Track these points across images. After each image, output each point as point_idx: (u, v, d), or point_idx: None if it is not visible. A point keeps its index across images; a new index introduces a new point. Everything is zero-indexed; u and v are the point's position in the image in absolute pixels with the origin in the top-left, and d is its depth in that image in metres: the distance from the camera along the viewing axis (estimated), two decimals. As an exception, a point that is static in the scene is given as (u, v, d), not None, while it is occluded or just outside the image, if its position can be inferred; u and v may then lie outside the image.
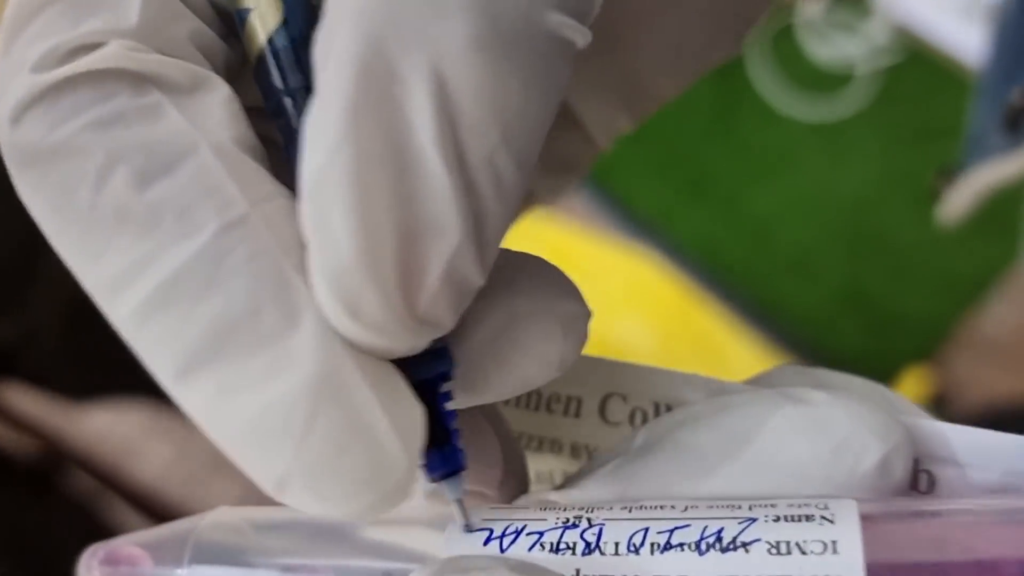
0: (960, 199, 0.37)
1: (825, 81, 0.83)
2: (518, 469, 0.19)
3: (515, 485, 0.19)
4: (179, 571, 0.17)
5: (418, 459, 0.15)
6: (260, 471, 0.14)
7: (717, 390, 0.18)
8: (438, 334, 0.15)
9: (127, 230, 0.14)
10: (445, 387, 0.16)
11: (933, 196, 0.41)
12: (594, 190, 0.82)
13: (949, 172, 0.38)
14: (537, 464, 0.20)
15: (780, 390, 0.17)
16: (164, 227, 0.14)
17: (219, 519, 0.18)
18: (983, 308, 0.75)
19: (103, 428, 0.78)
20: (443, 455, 0.16)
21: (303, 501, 0.14)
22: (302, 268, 0.14)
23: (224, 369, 0.14)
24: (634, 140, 0.80)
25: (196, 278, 0.14)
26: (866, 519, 0.15)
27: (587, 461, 0.19)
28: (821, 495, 0.16)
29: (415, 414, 0.15)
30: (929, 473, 0.17)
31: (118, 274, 0.14)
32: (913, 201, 0.78)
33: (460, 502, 0.17)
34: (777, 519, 0.15)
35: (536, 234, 0.76)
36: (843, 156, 0.82)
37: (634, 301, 0.78)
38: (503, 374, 0.16)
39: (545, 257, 0.17)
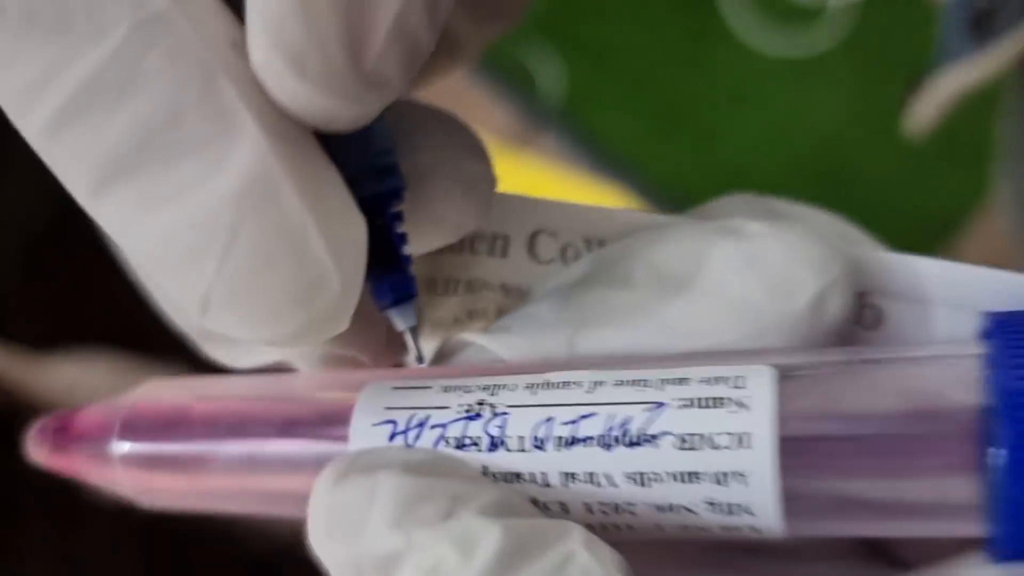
0: (926, 108, 0.36)
1: (797, 15, 0.82)
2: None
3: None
4: (112, 444, 0.17)
5: (358, 280, 0.14)
6: (183, 290, 0.13)
7: (654, 224, 0.17)
8: (388, 97, 0.13)
9: (36, 35, 0.13)
10: (396, 206, 0.16)
11: (901, 108, 0.40)
12: (563, 128, 0.81)
13: (915, 81, 0.37)
14: (468, 304, 0.19)
15: (719, 223, 0.16)
16: (76, 28, 0.13)
17: (156, 391, 0.18)
18: (953, 245, 0.75)
19: (69, 380, 0.77)
20: (393, 280, 0.16)
21: (227, 322, 0.13)
22: (232, 67, 0.13)
23: (143, 180, 0.13)
24: (604, 77, 0.79)
25: (111, 83, 0.13)
26: (787, 378, 0.14)
27: (520, 302, 0.18)
28: (740, 356, 0.14)
29: (356, 229, 0.14)
30: (876, 307, 0.16)
31: (29, 83, 0.13)
32: (884, 137, 0.77)
33: (413, 331, 0.16)
34: (687, 404, 0.14)
35: (504, 174, 0.74)
36: (815, 91, 0.81)
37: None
38: None
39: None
